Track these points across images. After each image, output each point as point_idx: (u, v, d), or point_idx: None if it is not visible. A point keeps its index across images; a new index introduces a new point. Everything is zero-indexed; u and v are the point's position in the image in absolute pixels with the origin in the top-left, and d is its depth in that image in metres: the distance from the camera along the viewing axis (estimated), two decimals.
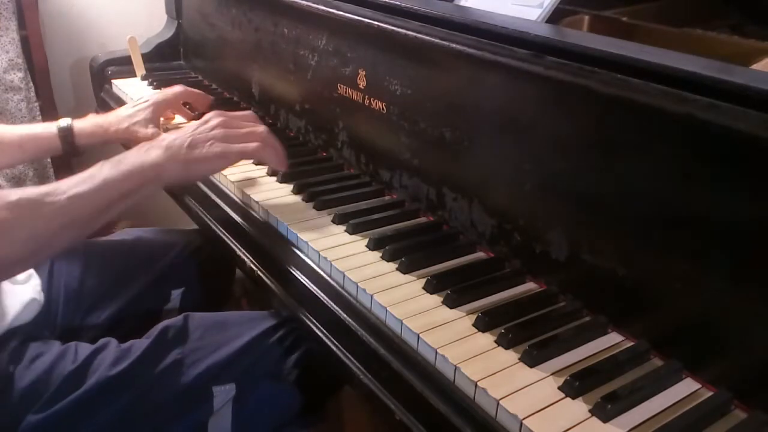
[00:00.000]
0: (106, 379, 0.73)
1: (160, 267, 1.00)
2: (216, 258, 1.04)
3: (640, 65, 0.56)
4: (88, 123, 1.05)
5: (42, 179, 1.76)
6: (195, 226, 1.01)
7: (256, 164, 0.96)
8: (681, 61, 0.55)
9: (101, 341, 0.78)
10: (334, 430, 1.06)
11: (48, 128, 1.03)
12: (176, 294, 1.00)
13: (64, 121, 1.03)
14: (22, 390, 0.71)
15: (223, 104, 1.25)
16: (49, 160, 1.77)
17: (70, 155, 1.05)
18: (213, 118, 0.81)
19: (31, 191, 0.67)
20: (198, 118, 1.07)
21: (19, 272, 0.76)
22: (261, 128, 0.82)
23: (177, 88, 1.11)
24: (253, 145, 0.80)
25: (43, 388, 0.72)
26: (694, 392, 0.56)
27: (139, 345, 0.77)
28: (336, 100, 0.95)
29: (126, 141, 1.06)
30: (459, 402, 0.55)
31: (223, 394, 0.78)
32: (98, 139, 1.05)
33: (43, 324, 0.83)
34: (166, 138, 0.77)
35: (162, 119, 1.11)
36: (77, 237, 0.72)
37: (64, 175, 1.78)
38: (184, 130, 0.79)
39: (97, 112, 1.31)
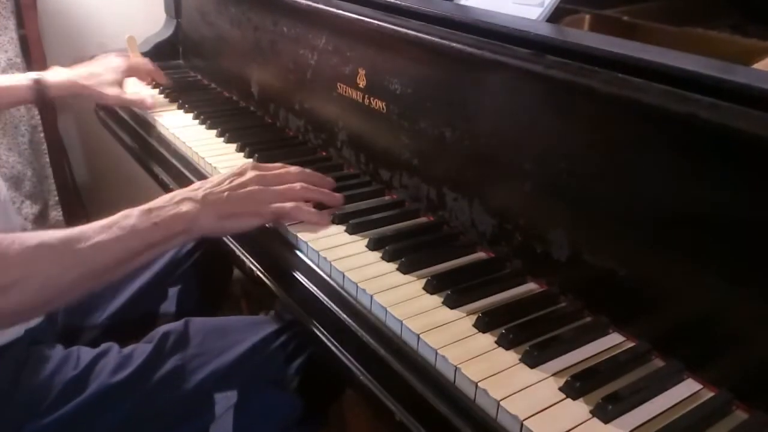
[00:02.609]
0: (108, 385, 0.73)
1: (158, 265, 1.00)
2: (213, 257, 1.04)
3: (641, 64, 0.56)
4: (60, 75, 1.12)
5: (40, 179, 1.76)
6: None
7: None
8: (682, 61, 0.55)
9: (103, 346, 0.78)
10: (334, 429, 1.05)
11: (20, 80, 1.09)
12: (173, 292, 1.00)
13: (36, 74, 1.10)
14: (24, 396, 0.71)
15: (222, 104, 1.25)
16: (47, 160, 1.77)
17: (42, 104, 1.14)
18: (249, 170, 0.78)
19: (52, 237, 0.63)
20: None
21: (28, 320, 0.73)
22: (298, 186, 0.79)
23: (145, 60, 1.26)
24: (289, 206, 0.77)
25: (45, 394, 0.71)
26: (696, 393, 0.56)
27: (140, 351, 0.77)
28: (336, 100, 0.95)
29: (93, 96, 1.16)
30: (459, 403, 0.55)
31: (225, 400, 0.77)
32: (69, 91, 1.13)
33: (45, 327, 0.82)
34: (201, 188, 0.74)
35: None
36: (94, 287, 0.68)
37: (62, 173, 1.79)
38: (219, 180, 0.76)
39: (96, 109, 1.32)
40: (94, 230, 0.66)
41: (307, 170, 0.83)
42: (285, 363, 0.82)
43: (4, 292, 0.59)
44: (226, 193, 0.74)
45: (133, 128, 1.20)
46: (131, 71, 1.22)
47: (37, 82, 1.08)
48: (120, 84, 1.17)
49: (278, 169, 0.81)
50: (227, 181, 0.76)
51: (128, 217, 0.68)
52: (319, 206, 0.81)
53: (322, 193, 0.81)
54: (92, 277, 0.66)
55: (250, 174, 0.77)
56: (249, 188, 0.75)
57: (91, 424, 0.72)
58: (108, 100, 1.17)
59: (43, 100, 1.10)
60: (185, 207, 0.71)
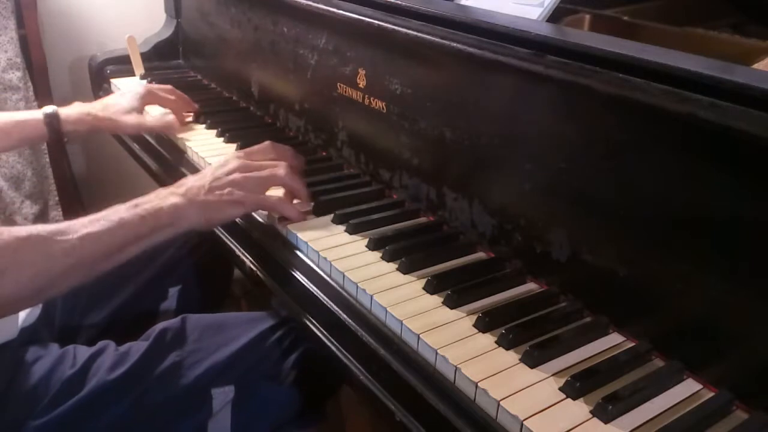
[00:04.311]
0: (105, 383, 0.73)
1: (158, 264, 1.00)
2: (214, 256, 1.04)
3: (642, 64, 0.56)
4: (74, 110, 1.06)
5: (40, 179, 1.76)
6: None
7: None
8: (682, 61, 0.55)
9: (99, 344, 0.78)
10: (334, 429, 1.05)
11: (33, 115, 1.04)
12: (173, 292, 1.00)
13: (50, 108, 1.04)
14: (21, 395, 0.71)
15: (221, 104, 1.25)
16: (47, 159, 1.77)
17: (56, 141, 1.06)
18: (232, 160, 0.80)
19: (42, 228, 0.65)
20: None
21: (22, 309, 0.75)
22: (281, 171, 0.81)
23: (167, 87, 1.16)
24: (273, 200, 0.80)
25: (42, 393, 0.71)
26: (696, 393, 0.56)
27: (137, 348, 0.77)
28: (336, 100, 0.95)
29: (110, 128, 1.09)
30: (459, 403, 0.55)
31: (222, 395, 0.77)
32: (84, 126, 1.07)
33: (41, 326, 0.82)
34: (185, 183, 0.77)
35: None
36: (86, 278, 0.70)
37: (62, 173, 1.79)
38: (203, 174, 0.79)
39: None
40: (83, 223, 0.68)
41: (288, 149, 0.85)
42: (282, 358, 0.82)
43: None
44: (207, 186, 0.76)
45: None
46: (151, 97, 1.12)
47: (50, 117, 1.03)
48: (139, 111, 1.09)
49: (263, 151, 0.84)
50: (210, 174, 0.79)
51: (116, 211, 0.71)
52: None
53: (302, 187, 0.83)
54: (82, 268, 0.68)
55: (233, 163, 0.80)
56: (231, 177, 0.78)
57: (89, 422, 0.72)
58: (126, 129, 1.10)
59: (57, 136, 1.03)
60: (170, 201, 0.74)
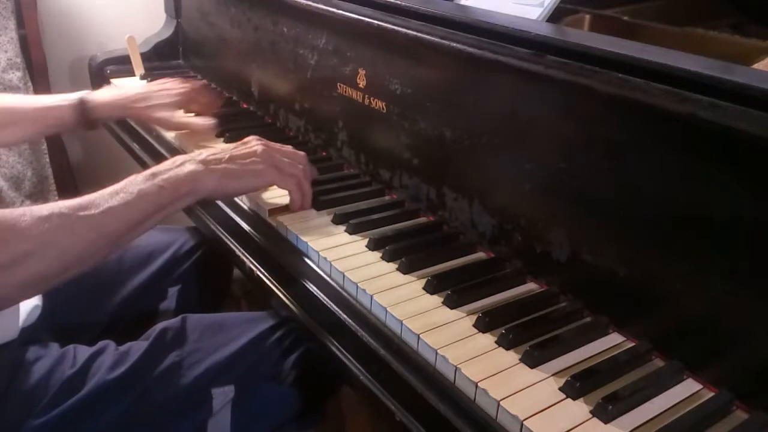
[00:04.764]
0: (105, 383, 0.73)
1: (157, 264, 1.00)
2: (214, 256, 1.04)
3: (641, 64, 0.56)
4: (106, 95, 1.05)
5: (40, 179, 1.76)
6: (193, 224, 1.01)
7: None
8: (682, 61, 0.55)
9: (99, 344, 0.78)
10: (334, 429, 1.05)
11: (65, 99, 1.01)
12: (173, 292, 1.00)
13: (83, 92, 1.03)
14: (21, 394, 0.71)
15: (222, 104, 1.25)
16: (47, 159, 1.77)
17: (84, 128, 1.03)
18: (253, 139, 0.81)
19: (63, 205, 0.65)
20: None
21: (51, 287, 0.74)
22: (300, 166, 0.81)
23: (197, 84, 1.14)
24: (293, 180, 0.80)
25: (42, 393, 0.71)
26: (696, 393, 0.56)
27: (137, 348, 0.77)
28: (336, 100, 0.95)
29: (139, 118, 1.08)
30: (459, 403, 0.55)
31: (222, 395, 0.77)
32: (116, 112, 1.05)
33: (41, 326, 0.82)
34: (202, 153, 0.77)
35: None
36: (111, 251, 0.70)
37: (62, 173, 1.79)
38: (222, 148, 0.79)
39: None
40: (103, 197, 0.67)
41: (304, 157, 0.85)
42: (282, 358, 0.82)
43: (22, 262, 0.61)
44: (228, 156, 0.77)
45: (133, 128, 1.20)
46: (188, 99, 1.10)
47: (83, 102, 1.01)
48: (173, 109, 1.07)
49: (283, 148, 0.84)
50: (229, 148, 0.79)
51: (134, 182, 0.70)
52: None
53: (309, 192, 0.83)
54: (107, 243, 0.68)
55: (254, 142, 0.80)
56: (253, 148, 0.79)
57: (89, 422, 0.72)
58: (159, 123, 1.08)
59: (88, 122, 1.01)
60: (188, 168, 0.73)
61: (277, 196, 0.85)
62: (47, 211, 0.64)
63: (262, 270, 0.78)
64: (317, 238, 0.76)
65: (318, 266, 0.73)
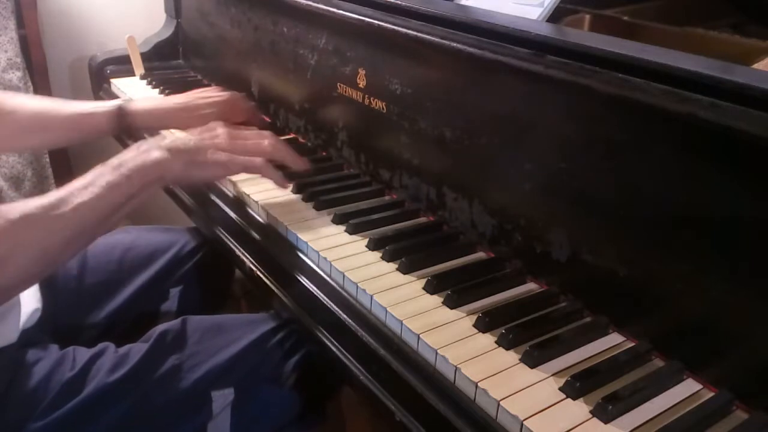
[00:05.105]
0: (105, 385, 0.73)
1: (158, 265, 1.00)
2: (215, 257, 1.04)
3: (641, 64, 0.56)
4: (145, 104, 1.04)
5: (40, 179, 1.76)
6: (194, 225, 1.01)
7: None
8: (682, 61, 0.55)
9: (99, 346, 0.78)
10: (334, 429, 1.05)
11: (101, 106, 1.00)
12: (174, 293, 1.00)
13: (118, 101, 1.01)
14: (21, 397, 0.71)
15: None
16: (47, 159, 1.77)
17: (122, 136, 1.02)
18: (217, 126, 0.81)
19: (32, 205, 0.65)
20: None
21: (29, 286, 0.75)
22: (266, 141, 0.81)
23: (236, 94, 1.10)
24: (258, 161, 0.79)
25: (42, 395, 0.71)
26: (696, 393, 0.56)
27: (137, 350, 0.77)
28: (336, 100, 0.95)
29: (178, 127, 1.04)
30: (459, 403, 0.55)
31: (222, 398, 0.77)
32: (155, 120, 1.04)
33: (41, 327, 0.82)
34: (167, 138, 0.77)
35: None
36: (85, 245, 0.71)
37: (62, 173, 1.79)
38: (188, 133, 0.79)
39: None
40: (72, 193, 0.67)
41: (281, 140, 0.84)
42: (282, 360, 0.82)
43: (4, 265, 0.61)
44: (193, 143, 0.77)
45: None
46: (228, 108, 1.06)
47: (121, 110, 0.99)
48: (211, 120, 1.00)
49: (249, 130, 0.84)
50: (197, 132, 0.79)
51: (102, 174, 0.70)
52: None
53: (289, 154, 0.83)
54: (81, 237, 0.69)
55: (219, 129, 0.80)
56: (217, 140, 0.78)
57: (88, 425, 0.72)
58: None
59: (126, 131, 0.99)
60: (154, 156, 0.73)
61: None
62: (19, 213, 0.63)
63: (262, 270, 0.78)
64: (317, 238, 0.76)
65: (318, 266, 0.73)
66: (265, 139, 0.82)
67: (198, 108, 1.05)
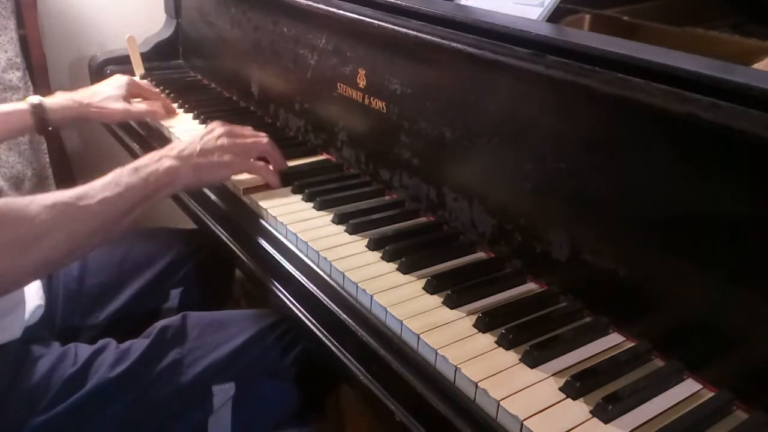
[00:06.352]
0: (106, 380, 0.73)
1: (159, 267, 1.00)
2: (215, 258, 1.04)
3: (642, 64, 0.56)
4: (58, 98, 1.08)
5: (40, 179, 1.76)
6: (194, 226, 1.01)
7: None
8: (682, 61, 0.55)
9: (100, 342, 0.78)
10: (334, 429, 1.05)
11: (18, 106, 1.05)
12: (175, 293, 1.00)
13: (35, 98, 1.05)
14: (23, 393, 0.71)
15: (222, 104, 1.25)
16: (47, 159, 1.77)
17: (41, 131, 1.07)
18: (217, 127, 0.86)
19: (63, 195, 0.69)
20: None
21: (52, 271, 0.80)
22: (264, 140, 0.89)
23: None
24: (261, 164, 0.87)
25: (44, 391, 0.72)
26: (696, 393, 0.56)
27: (138, 345, 0.77)
28: (336, 100, 0.95)
29: (97, 116, 1.10)
30: (459, 403, 0.55)
31: (223, 392, 0.78)
32: (70, 113, 1.08)
33: (43, 325, 0.82)
34: (175, 147, 0.81)
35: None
36: (107, 239, 0.74)
37: (62, 173, 1.79)
38: (191, 139, 0.84)
39: None
40: (96, 189, 0.72)
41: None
42: (282, 355, 0.83)
43: (36, 243, 0.65)
44: (198, 149, 0.82)
45: (133, 128, 1.20)
46: (134, 87, 1.15)
47: (36, 107, 1.03)
48: (126, 99, 1.11)
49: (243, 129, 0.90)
50: (199, 138, 0.84)
51: (121, 175, 0.75)
52: None
53: (278, 153, 0.91)
54: (104, 229, 0.72)
55: (220, 129, 0.86)
56: (220, 142, 0.84)
57: (90, 420, 0.72)
58: (115, 116, 1.10)
59: (44, 125, 1.04)
60: (165, 164, 0.78)
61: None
62: (51, 199, 0.68)
63: (262, 270, 0.78)
64: (317, 237, 0.76)
65: (317, 266, 0.73)
66: (262, 138, 0.89)
67: (105, 91, 1.11)
